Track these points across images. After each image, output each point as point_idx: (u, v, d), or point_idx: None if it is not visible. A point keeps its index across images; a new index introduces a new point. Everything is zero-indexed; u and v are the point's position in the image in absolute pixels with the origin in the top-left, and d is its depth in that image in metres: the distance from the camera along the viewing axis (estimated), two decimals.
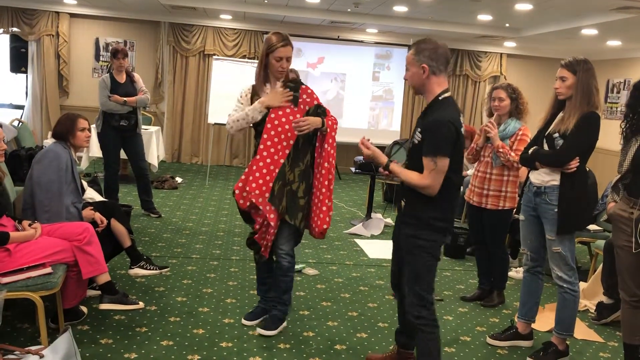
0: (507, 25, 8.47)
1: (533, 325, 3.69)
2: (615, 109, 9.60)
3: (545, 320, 3.91)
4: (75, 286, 3.32)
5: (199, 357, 3.14)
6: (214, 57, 8.97)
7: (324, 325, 3.70)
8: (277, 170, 3.28)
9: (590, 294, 4.38)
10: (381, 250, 5.49)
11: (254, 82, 3.43)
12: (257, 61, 3.50)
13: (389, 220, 6.53)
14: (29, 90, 9.50)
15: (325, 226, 3.38)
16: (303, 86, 3.42)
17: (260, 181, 3.26)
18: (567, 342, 3.46)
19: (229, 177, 8.98)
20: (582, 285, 4.26)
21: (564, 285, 3.33)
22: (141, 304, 3.72)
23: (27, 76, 9.47)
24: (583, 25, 7.07)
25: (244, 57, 9.65)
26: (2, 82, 9.88)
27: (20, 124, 7.43)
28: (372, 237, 6.06)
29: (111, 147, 5.78)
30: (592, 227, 5.02)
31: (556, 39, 8.58)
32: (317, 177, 3.39)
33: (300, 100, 3.36)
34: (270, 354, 3.24)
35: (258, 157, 3.30)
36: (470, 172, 6.91)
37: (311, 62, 9.75)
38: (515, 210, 4.08)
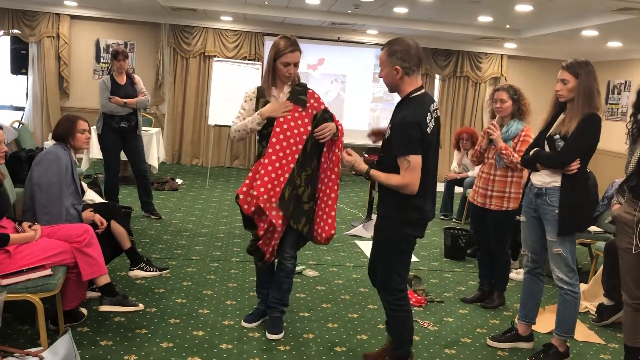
0: (508, 26, 8.47)
1: (533, 327, 3.68)
2: (616, 110, 9.60)
3: (545, 322, 3.90)
4: (75, 288, 3.31)
5: (199, 359, 3.14)
6: (215, 58, 8.99)
7: (324, 327, 3.69)
8: (285, 175, 3.24)
9: (591, 296, 4.37)
10: None
11: (259, 84, 3.42)
12: (258, 63, 3.52)
13: None
14: (29, 92, 9.51)
15: (333, 232, 3.40)
16: (310, 90, 3.41)
17: (269, 185, 3.22)
18: (568, 344, 3.45)
19: (230, 178, 8.98)
20: (583, 286, 4.26)
21: (565, 287, 3.32)
22: (141, 306, 3.71)
23: (27, 78, 9.49)
24: (583, 26, 7.07)
25: (244, 58, 9.66)
26: (3, 84, 9.89)
27: (21, 125, 7.44)
28: (373, 238, 6.04)
29: (111, 148, 5.78)
30: (593, 228, 5.02)
31: (557, 40, 8.58)
32: (325, 182, 3.39)
33: (308, 104, 3.35)
34: (270, 356, 3.24)
35: (266, 160, 3.24)
36: (471, 173, 6.92)
37: (311, 63, 9.77)
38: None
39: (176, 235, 5.51)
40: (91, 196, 4.42)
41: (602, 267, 4.27)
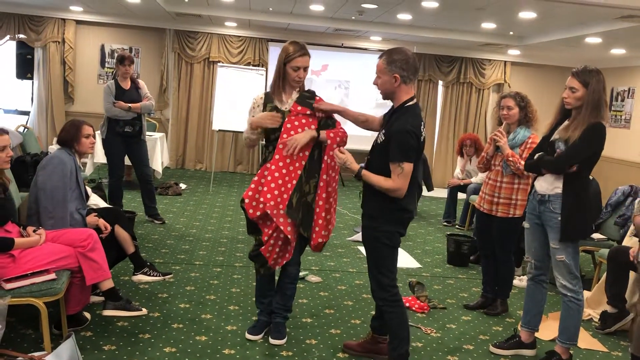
0: (511, 33, 8.48)
1: (536, 334, 3.67)
2: (620, 117, 9.58)
3: (548, 329, 3.89)
4: (79, 292, 3.33)
5: None
6: (219, 64, 9.02)
7: (326, 333, 3.69)
8: (293, 182, 3.23)
9: (594, 303, 4.36)
10: None
11: (264, 90, 3.43)
12: (262, 68, 3.54)
13: None
14: (34, 97, 9.55)
15: (320, 240, 3.36)
16: (317, 97, 3.42)
17: (276, 192, 3.20)
18: (571, 351, 3.44)
19: (233, 183, 8.99)
20: (586, 294, 4.25)
21: (568, 294, 3.32)
22: (144, 311, 3.72)
23: (32, 82, 9.53)
24: (587, 33, 7.07)
25: (248, 64, 9.69)
26: (8, 88, 9.95)
27: (26, 130, 7.46)
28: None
29: (115, 153, 5.80)
30: (596, 235, 5.01)
31: (560, 47, 8.58)
32: (324, 188, 3.37)
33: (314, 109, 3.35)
34: None
35: (273, 166, 3.23)
36: (474, 179, 6.92)
37: (315, 69, 9.79)
38: None
39: (179, 240, 5.52)
40: (95, 201, 4.43)
41: (605, 274, 4.26)
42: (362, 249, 5.78)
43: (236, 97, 8.18)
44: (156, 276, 4.34)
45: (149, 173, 6.07)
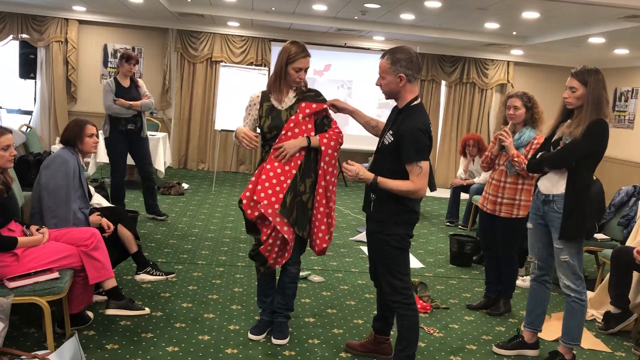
0: (514, 33, 8.47)
1: (539, 335, 3.67)
2: (623, 117, 9.56)
3: (551, 330, 3.89)
4: (82, 291, 3.33)
5: None
6: (222, 64, 9.03)
7: (329, 333, 3.69)
8: (288, 181, 3.23)
9: (598, 304, 4.35)
10: None
11: (263, 89, 3.43)
12: (264, 68, 3.52)
13: None
14: (37, 96, 9.57)
15: (324, 245, 3.37)
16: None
17: (270, 191, 3.21)
18: (574, 352, 3.44)
19: (236, 183, 9.00)
20: (590, 294, 4.24)
21: (572, 295, 3.31)
22: (147, 310, 3.72)
23: (35, 82, 9.55)
24: (590, 33, 7.06)
25: (251, 64, 9.70)
26: (11, 88, 9.96)
27: (29, 129, 7.48)
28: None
29: (118, 152, 5.80)
30: (600, 236, 5.00)
31: (563, 47, 8.57)
32: (315, 197, 3.34)
33: (315, 110, 3.34)
34: None
35: (268, 166, 3.24)
36: (477, 180, 6.91)
37: (318, 69, 9.79)
38: None
39: (182, 240, 5.53)
40: (98, 200, 4.44)
41: (608, 274, 4.25)
42: (364, 248, 5.77)
43: (239, 97, 8.16)
44: (159, 275, 4.34)
45: (152, 171, 6.08)
